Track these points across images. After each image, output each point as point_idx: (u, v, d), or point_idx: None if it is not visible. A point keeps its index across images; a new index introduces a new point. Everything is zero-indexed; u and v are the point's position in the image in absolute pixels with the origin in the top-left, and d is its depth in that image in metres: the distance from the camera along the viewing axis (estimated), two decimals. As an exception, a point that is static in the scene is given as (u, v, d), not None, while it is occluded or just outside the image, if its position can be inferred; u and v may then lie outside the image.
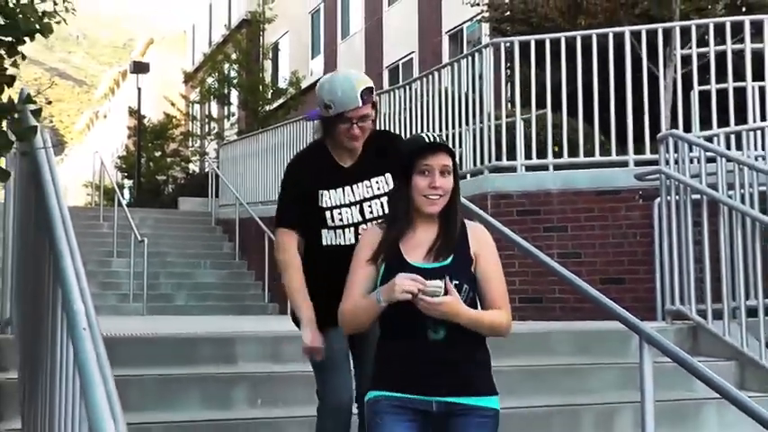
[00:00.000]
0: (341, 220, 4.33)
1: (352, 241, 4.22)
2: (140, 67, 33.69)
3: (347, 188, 4.37)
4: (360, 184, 4.37)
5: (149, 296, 14.45)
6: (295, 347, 6.01)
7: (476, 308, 3.57)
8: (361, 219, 4.34)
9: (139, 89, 32.50)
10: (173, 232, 18.32)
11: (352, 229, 4.33)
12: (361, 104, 4.24)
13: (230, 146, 21.31)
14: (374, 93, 4.40)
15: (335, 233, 4.33)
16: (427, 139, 3.62)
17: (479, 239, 3.71)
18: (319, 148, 4.51)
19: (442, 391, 3.50)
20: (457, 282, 3.47)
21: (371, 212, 4.36)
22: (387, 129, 11.51)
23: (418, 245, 3.62)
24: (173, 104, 34.69)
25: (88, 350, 2.81)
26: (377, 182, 4.40)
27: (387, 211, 4.25)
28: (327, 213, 4.31)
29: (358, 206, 4.35)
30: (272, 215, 15.81)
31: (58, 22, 3.94)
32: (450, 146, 11.06)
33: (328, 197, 4.32)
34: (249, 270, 16.81)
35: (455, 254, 3.60)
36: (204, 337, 6.27)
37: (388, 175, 4.33)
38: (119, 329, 6.51)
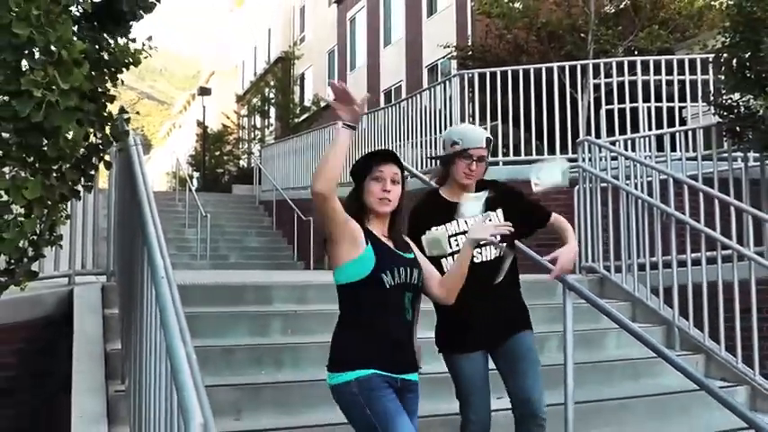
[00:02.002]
0: (457, 245, 3.63)
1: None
2: (205, 91, 33.68)
3: (459, 221, 3.68)
4: (469, 219, 3.64)
5: (211, 256, 14.49)
6: (315, 293, 6.08)
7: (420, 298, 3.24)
8: None
9: (204, 107, 32.49)
10: (228, 210, 18.21)
11: None
12: (483, 145, 3.70)
13: (269, 147, 21.19)
14: (491, 142, 3.82)
15: (454, 257, 3.55)
16: (382, 151, 3.19)
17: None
18: (434, 193, 3.88)
19: (403, 369, 3.09)
20: (417, 269, 3.15)
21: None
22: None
23: (383, 237, 3.14)
24: (228, 118, 34.75)
25: (165, 293, 2.83)
26: (490, 216, 3.69)
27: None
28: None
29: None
30: (299, 197, 16.03)
31: (145, 57, 3.95)
32: (430, 148, 11.38)
33: (444, 230, 3.65)
34: (283, 237, 16.73)
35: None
36: (250, 285, 6.24)
37: (500, 212, 3.76)
38: (190, 279, 6.51)
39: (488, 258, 3.77)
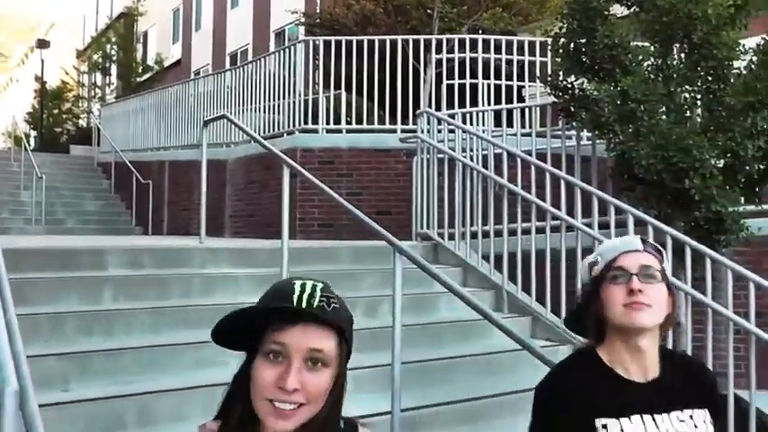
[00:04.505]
0: None
1: None
2: (43, 44, 31.88)
3: (647, 417, 1.95)
4: (668, 415, 1.97)
5: (47, 220, 13.96)
6: (149, 258, 5.92)
7: None
8: None
9: (43, 61, 30.75)
10: (65, 172, 17.47)
11: None
12: (641, 248, 2.02)
13: (109, 107, 20.34)
14: (664, 258, 2.07)
15: None
16: (298, 291, 1.46)
17: None
18: (589, 356, 2.05)
19: None
20: None
21: None
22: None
23: None
24: (67, 74, 33.21)
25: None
26: (693, 414, 2.00)
27: None
28: None
29: None
30: (139, 160, 15.70)
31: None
32: (275, 114, 11.40)
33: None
34: (121, 202, 16.21)
35: None
36: (84, 250, 5.98)
37: (706, 412, 2.03)
38: (23, 245, 6.20)
39: None
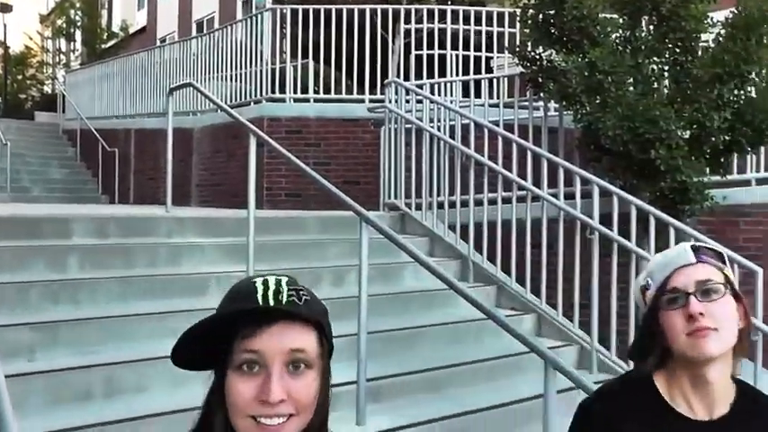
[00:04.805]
0: None
1: None
2: (5, 8, 31.15)
3: None
4: None
5: (12, 188, 13.61)
6: (115, 227, 5.85)
7: None
8: None
9: (5, 25, 30.16)
10: (30, 138, 17.15)
11: None
12: (694, 260, 1.69)
13: (74, 73, 20.03)
14: (725, 259, 1.76)
15: None
16: (261, 288, 1.25)
17: None
18: (643, 384, 1.75)
19: None
20: None
21: None
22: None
23: None
24: (30, 39, 32.63)
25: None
26: None
27: None
28: None
29: None
30: (104, 127, 15.48)
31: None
32: (242, 83, 11.31)
33: None
34: (87, 170, 16.00)
35: None
36: (49, 218, 5.89)
37: None
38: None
39: None
